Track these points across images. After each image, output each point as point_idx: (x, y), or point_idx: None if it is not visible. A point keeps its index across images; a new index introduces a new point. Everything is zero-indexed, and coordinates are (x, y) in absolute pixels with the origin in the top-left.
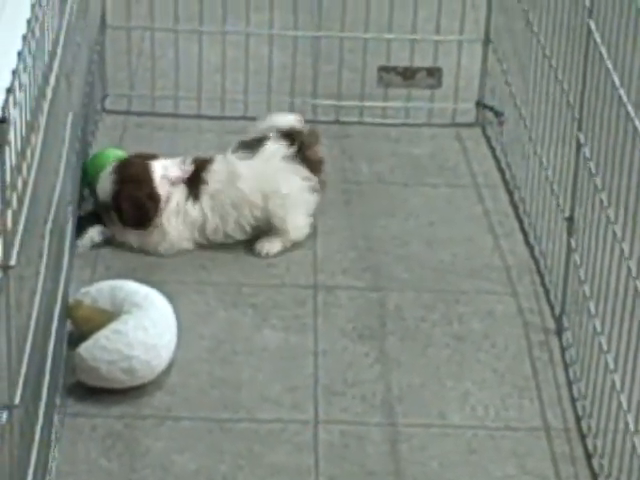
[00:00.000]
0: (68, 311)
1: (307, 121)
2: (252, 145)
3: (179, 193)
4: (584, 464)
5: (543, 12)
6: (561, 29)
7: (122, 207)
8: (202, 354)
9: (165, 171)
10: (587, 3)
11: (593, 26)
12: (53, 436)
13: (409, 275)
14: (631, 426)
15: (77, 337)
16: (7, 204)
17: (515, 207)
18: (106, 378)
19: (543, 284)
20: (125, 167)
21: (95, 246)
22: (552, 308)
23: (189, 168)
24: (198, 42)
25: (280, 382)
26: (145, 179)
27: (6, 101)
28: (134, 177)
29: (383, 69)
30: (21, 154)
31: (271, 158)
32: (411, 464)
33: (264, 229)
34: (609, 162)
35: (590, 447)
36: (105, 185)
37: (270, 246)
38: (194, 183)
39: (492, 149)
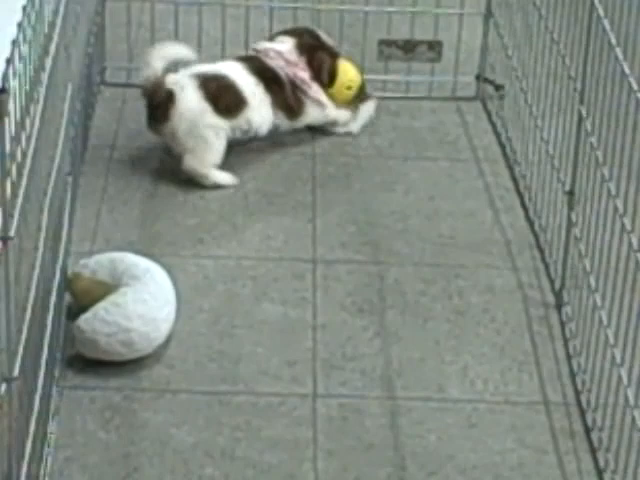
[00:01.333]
0: (67, 283)
1: None
2: None
3: None
4: (583, 438)
5: None
6: (563, 2)
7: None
8: (201, 327)
9: None
10: None
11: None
12: (52, 408)
13: (409, 249)
14: (631, 400)
15: (76, 309)
16: (6, 174)
17: (515, 181)
18: (105, 350)
19: (543, 258)
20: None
21: None
22: (552, 282)
23: None
24: (198, 14)
25: (279, 356)
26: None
27: (6, 72)
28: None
29: (383, 42)
30: (20, 125)
31: None
32: (410, 438)
33: None
34: (611, 136)
35: (589, 421)
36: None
37: None
38: None
39: (492, 123)
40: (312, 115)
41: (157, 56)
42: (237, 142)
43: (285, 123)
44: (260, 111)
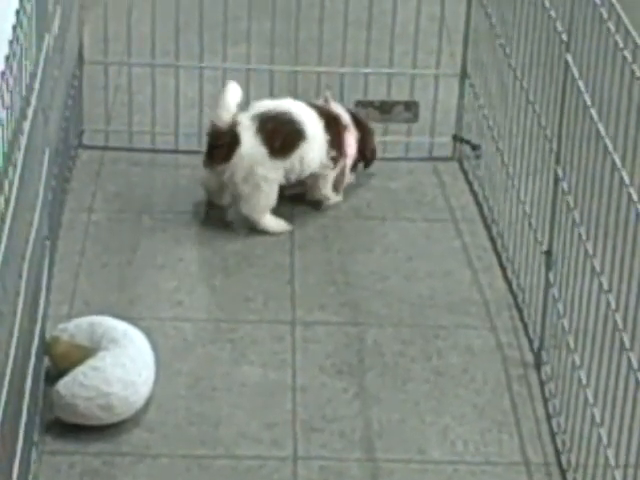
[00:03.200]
0: (46, 347)
1: None
2: None
3: None
4: None
5: (520, 46)
6: (538, 63)
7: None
8: (180, 390)
9: None
10: (564, 37)
11: (570, 60)
12: (31, 473)
13: (387, 310)
14: (611, 460)
15: (55, 373)
16: None
17: (493, 241)
18: (84, 415)
19: (522, 318)
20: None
21: None
22: (531, 342)
23: None
24: (175, 77)
25: (259, 418)
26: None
27: None
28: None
29: (360, 103)
30: None
31: None
32: None
33: None
34: (587, 196)
35: None
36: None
37: None
38: None
39: (469, 183)
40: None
41: (233, 95)
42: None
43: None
44: (314, 147)
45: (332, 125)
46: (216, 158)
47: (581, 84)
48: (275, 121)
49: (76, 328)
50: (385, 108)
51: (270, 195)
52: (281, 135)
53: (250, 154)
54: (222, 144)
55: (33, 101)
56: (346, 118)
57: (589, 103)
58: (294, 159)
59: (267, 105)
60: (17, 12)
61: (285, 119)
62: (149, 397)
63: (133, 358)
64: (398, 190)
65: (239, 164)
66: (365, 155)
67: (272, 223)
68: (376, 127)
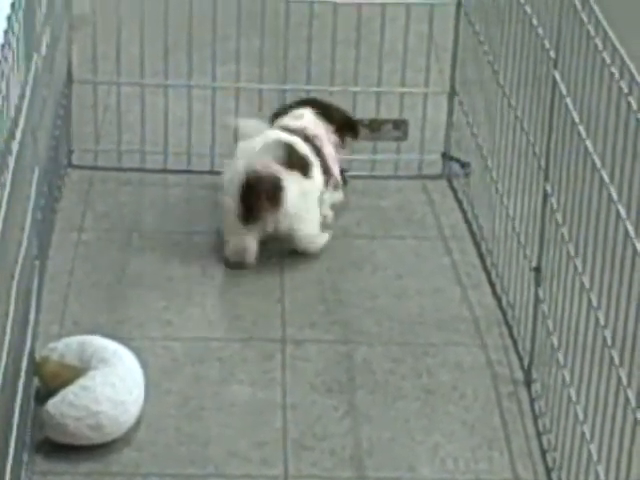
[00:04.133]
0: (35, 367)
1: None
2: None
3: None
4: None
5: (508, 63)
6: (527, 80)
7: None
8: (170, 410)
9: None
10: (552, 54)
11: (558, 77)
12: None
13: (377, 328)
14: (601, 477)
15: (44, 393)
16: None
17: (482, 258)
18: (74, 434)
19: (511, 335)
20: None
21: None
22: (521, 359)
23: None
24: (164, 96)
25: (249, 437)
26: None
27: None
28: None
29: None
30: None
31: None
32: None
33: None
34: (576, 213)
35: None
36: None
37: None
38: None
39: (459, 201)
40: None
41: (253, 131)
42: None
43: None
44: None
45: (316, 148)
46: (262, 209)
47: (569, 101)
48: (291, 148)
49: (66, 348)
50: (374, 126)
51: (317, 214)
52: (300, 158)
53: (292, 190)
54: (265, 192)
55: (22, 121)
56: (320, 133)
57: (577, 120)
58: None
59: (271, 137)
60: (5, 32)
61: (294, 149)
62: (139, 416)
63: (123, 377)
64: (387, 208)
65: (290, 204)
66: (348, 129)
67: (325, 238)
68: (365, 145)
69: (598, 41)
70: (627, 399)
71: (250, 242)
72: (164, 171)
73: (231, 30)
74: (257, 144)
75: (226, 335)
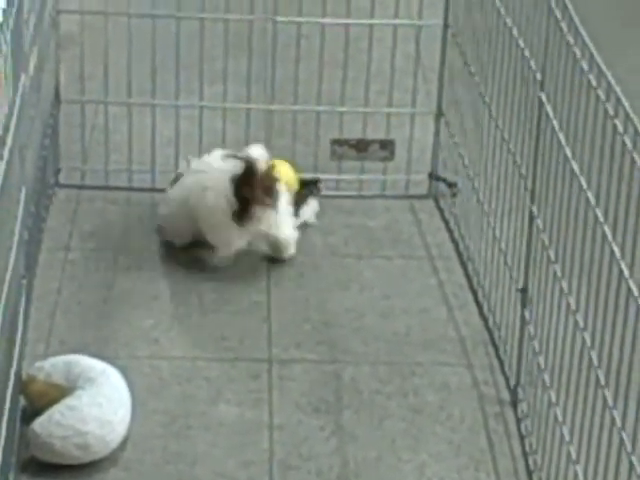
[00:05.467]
0: (22, 386)
1: None
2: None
3: None
4: None
5: (495, 85)
6: (513, 102)
7: None
8: (157, 429)
9: None
10: (538, 76)
11: (545, 99)
12: None
13: (364, 348)
14: None
15: (31, 412)
16: None
17: (469, 279)
18: (60, 454)
19: (498, 355)
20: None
21: None
22: (507, 379)
23: None
24: (151, 116)
25: (235, 457)
26: None
27: None
28: None
29: (336, 142)
30: None
31: None
32: None
33: None
34: (562, 233)
35: None
36: None
37: None
38: None
39: (445, 221)
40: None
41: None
42: None
43: None
44: None
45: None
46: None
47: (555, 123)
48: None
49: (52, 367)
50: (361, 147)
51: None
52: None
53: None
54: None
55: (9, 140)
56: (260, 162)
57: (563, 142)
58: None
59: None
60: None
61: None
62: (125, 436)
63: (109, 397)
64: (374, 228)
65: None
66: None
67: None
68: (352, 165)
69: (584, 63)
70: (613, 420)
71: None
72: (151, 190)
73: (218, 50)
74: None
75: (213, 354)
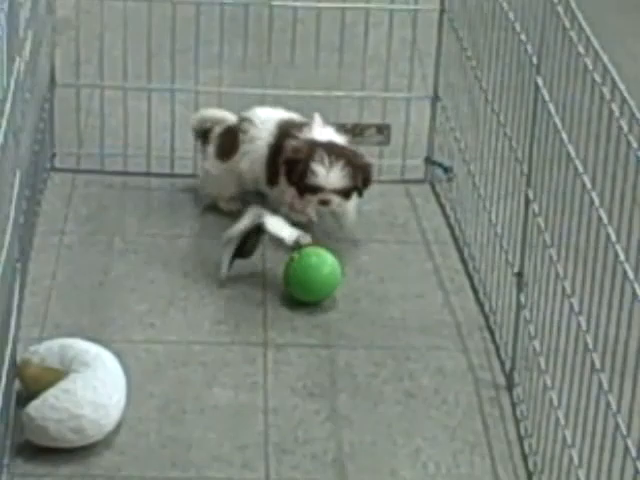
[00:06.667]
0: (16, 370)
1: None
2: None
3: None
4: None
5: (491, 69)
6: (509, 86)
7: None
8: (151, 413)
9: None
10: (534, 60)
11: (541, 82)
12: None
13: (359, 332)
14: None
15: (25, 396)
16: None
17: (465, 263)
18: (55, 437)
19: (493, 340)
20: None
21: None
22: (502, 364)
23: None
24: (147, 100)
25: (230, 441)
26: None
27: None
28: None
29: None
30: None
31: None
32: None
33: None
34: (558, 217)
35: None
36: (335, 174)
37: None
38: None
39: (441, 205)
40: None
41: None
42: None
43: None
44: None
45: None
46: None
47: (551, 107)
48: None
49: (47, 351)
50: (357, 131)
51: None
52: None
53: None
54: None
55: (4, 124)
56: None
57: (559, 126)
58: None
59: None
60: None
61: None
62: (120, 420)
63: (104, 381)
64: (370, 212)
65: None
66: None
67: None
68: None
69: (580, 47)
70: (608, 404)
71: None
72: (147, 174)
73: (214, 34)
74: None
75: (208, 338)
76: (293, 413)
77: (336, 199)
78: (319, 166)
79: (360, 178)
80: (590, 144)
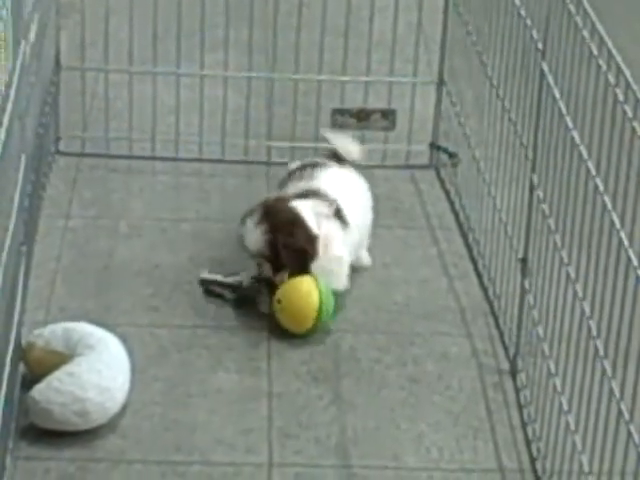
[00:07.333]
0: (21, 353)
1: (260, 163)
2: None
3: (335, 228)
4: None
5: (497, 54)
6: (514, 71)
7: (280, 256)
8: (156, 396)
9: (315, 209)
10: (540, 45)
11: (546, 68)
12: (6, 479)
13: (363, 317)
14: (585, 467)
15: (30, 379)
16: None
17: (469, 249)
18: (59, 421)
19: (497, 325)
20: (273, 214)
21: None
22: (506, 349)
23: (334, 202)
24: (152, 84)
25: (234, 425)
26: (298, 222)
27: None
28: (286, 223)
29: (337, 111)
30: None
31: None
32: None
33: None
34: (562, 203)
35: None
36: (255, 236)
37: None
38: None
39: (446, 191)
40: None
41: None
42: None
43: None
44: None
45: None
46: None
47: (556, 92)
48: None
49: (51, 334)
50: (362, 116)
51: None
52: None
53: None
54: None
55: (9, 107)
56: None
57: (564, 111)
58: None
59: None
60: None
61: None
62: (124, 403)
63: (108, 364)
64: (375, 197)
65: None
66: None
67: None
68: (353, 135)
69: (586, 32)
70: (611, 390)
71: None
72: (152, 158)
73: (220, 18)
74: None
75: (213, 323)
76: (297, 397)
77: (266, 265)
78: (249, 224)
79: (281, 245)
80: (595, 130)
